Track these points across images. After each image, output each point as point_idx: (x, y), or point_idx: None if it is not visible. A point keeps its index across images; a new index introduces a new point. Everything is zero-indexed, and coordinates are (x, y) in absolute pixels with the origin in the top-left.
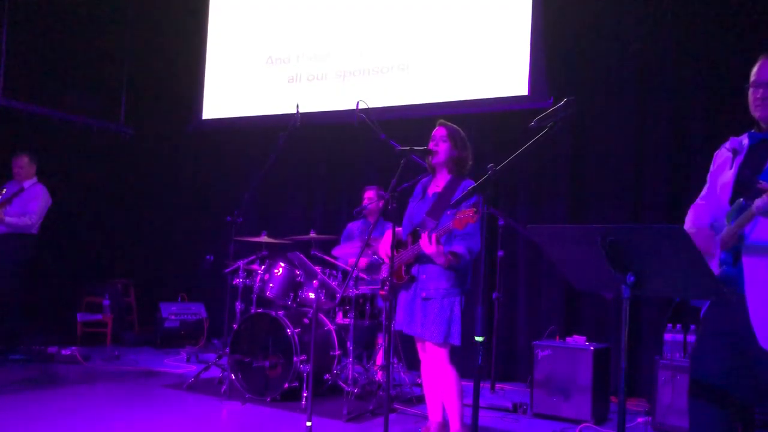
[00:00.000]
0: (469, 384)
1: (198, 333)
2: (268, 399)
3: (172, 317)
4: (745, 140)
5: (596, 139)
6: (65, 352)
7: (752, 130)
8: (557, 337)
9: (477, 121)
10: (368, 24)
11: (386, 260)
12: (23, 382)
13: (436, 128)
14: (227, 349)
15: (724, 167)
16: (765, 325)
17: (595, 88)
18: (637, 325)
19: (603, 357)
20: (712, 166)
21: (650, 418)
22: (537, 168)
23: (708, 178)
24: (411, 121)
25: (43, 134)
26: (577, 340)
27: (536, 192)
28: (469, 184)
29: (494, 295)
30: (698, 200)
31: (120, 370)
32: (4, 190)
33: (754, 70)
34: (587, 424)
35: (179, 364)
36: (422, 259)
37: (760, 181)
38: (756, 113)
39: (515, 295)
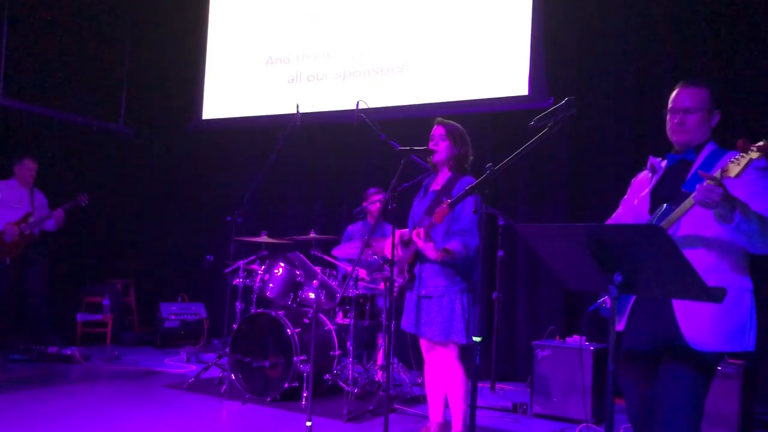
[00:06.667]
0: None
1: (198, 333)
2: (268, 399)
3: (172, 317)
4: (663, 162)
5: (596, 139)
6: (65, 352)
7: (670, 153)
8: (557, 337)
9: (477, 121)
10: (368, 24)
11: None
12: (23, 382)
13: (435, 127)
14: (227, 349)
15: (642, 186)
16: (689, 321)
17: (595, 88)
18: None
19: (603, 357)
20: (629, 191)
21: None
22: (537, 168)
23: (621, 203)
24: (411, 121)
25: (43, 134)
26: (577, 340)
27: (536, 192)
28: (468, 181)
29: (494, 295)
30: (612, 218)
31: (120, 370)
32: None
33: (672, 96)
34: (587, 424)
35: (179, 364)
36: (422, 257)
37: (699, 172)
38: (673, 137)
39: (515, 295)
